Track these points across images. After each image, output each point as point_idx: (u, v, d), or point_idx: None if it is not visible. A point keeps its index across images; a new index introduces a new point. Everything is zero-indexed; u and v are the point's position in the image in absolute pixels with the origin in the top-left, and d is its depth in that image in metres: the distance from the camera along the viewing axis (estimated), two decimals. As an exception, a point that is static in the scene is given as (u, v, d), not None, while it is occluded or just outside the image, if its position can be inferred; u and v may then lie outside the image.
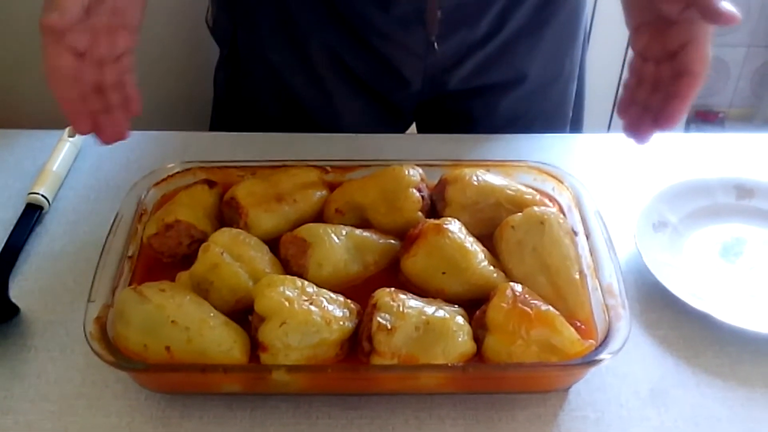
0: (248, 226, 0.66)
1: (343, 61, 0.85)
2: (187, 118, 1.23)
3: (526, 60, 0.87)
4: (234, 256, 0.61)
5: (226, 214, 0.69)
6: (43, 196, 0.76)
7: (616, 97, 1.85)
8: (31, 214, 0.74)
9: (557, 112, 0.95)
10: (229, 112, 0.96)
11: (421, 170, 0.69)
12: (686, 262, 0.70)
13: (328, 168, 0.73)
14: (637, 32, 0.62)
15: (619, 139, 0.89)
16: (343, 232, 0.64)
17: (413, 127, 1.01)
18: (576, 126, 1.00)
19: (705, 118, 2.13)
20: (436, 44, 0.82)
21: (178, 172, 0.72)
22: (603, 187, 0.80)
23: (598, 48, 1.11)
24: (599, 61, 1.16)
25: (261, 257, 0.63)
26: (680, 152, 0.86)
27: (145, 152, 0.85)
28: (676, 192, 0.76)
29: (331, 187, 0.71)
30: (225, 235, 0.63)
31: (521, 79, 0.88)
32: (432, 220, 0.63)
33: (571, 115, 0.97)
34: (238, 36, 0.88)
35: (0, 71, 1.37)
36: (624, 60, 1.80)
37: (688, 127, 2.06)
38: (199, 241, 0.64)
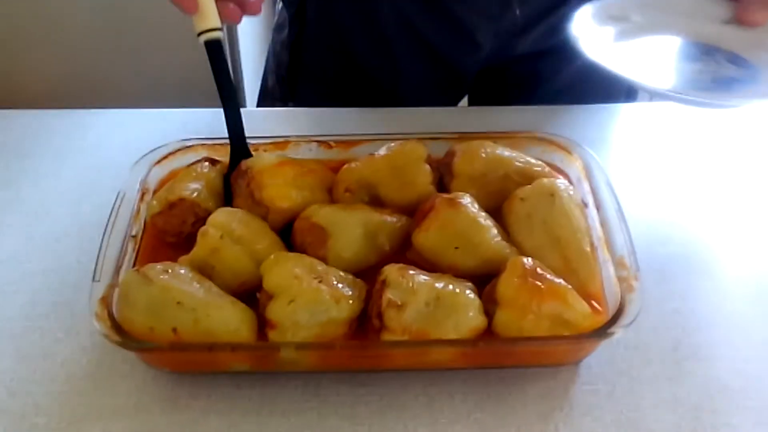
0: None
1: (412, 25, 0.85)
2: (188, 94, 1.21)
3: None
4: (234, 238, 0.60)
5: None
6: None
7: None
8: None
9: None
10: (287, 76, 0.95)
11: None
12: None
13: (332, 143, 0.72)
14: None
15: (630, 110, 0.89)
16: (359, 217, 0.63)
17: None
18: (632, 94, 0.99)
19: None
20: (518, 10, 0.82)
21: (179, 150, 0.71)
22: (613, 158, 0.79)
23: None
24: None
25: (262, 238, 0.62)
26: (687, 122, 0.85)
27: (145, 130, 0.84)
28: None
29: (335, 167, 0.70)
30: (223, 215, 0.62)
31: None
32: (444, 194, 0.62)
33: None
34: None
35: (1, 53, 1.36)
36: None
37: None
38: (203, 219, 0.63)
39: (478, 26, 0.85)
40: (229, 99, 0.67)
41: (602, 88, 0.91)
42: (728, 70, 0.68)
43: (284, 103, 0.96)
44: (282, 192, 0.64)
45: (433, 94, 0.91)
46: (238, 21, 0.66)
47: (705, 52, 0.70)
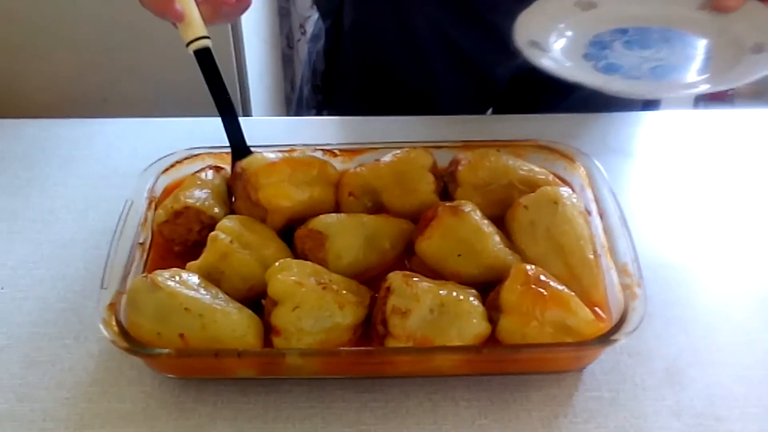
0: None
1: (446, 35, 0.86)
2: (194, 103, 1.22)
3: None
4: (242, 244, 0.61)
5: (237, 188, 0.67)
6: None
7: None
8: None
9: None
10: (322, 85, 0.96)
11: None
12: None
13: (336, 151, 0.73)
14: None
15: (633, 118, 0.89)
16: (358, 221, 0.63)
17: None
18: (654, 102, 0.99)
19: (714, 95, 2.11)
20: None
21: (186, 158, 0.72)
22: (616, 165, 0.79)
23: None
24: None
25: (269, 244, 0.62)
26: (690, 129, 0.86)
27: (152, 139, 0.85)
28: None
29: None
30: (232, 222, 0.63)
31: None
32: (447, 202, 0.63)
33: None
34: (344, 8, 0.89)
35: (8, 61, 1.37)
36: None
37: (697, 105, 2.04)
38: (209, 227, 0.63)
39: (511, 32, 0.85)
40: (225, 105, 0.67)
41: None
42: (677, 57, 0.67)
43: (319, 112, 0.97)
44: (278, 191, 0.63)
45: (466, 102, 0.91)
46: (235, 17, 0.66)
47: (665, 38, 0.69)
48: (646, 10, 0.71)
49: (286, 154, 0.67)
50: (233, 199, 0.67)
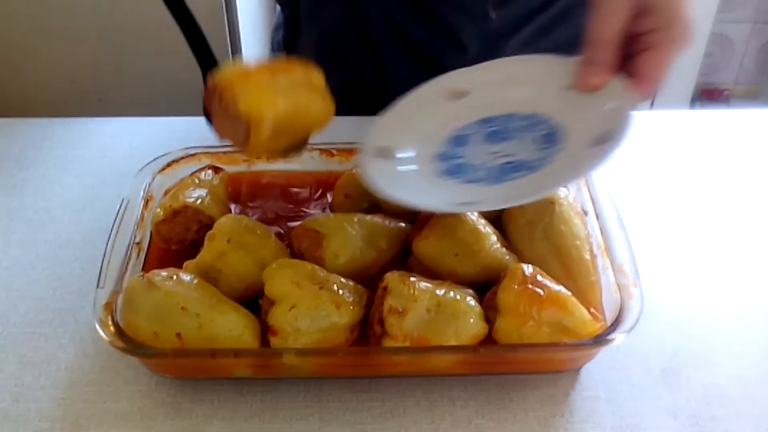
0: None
1: (399, 26, 0.85)
2: (191, 103, 1.22)
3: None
4: (239, 243, 0.61)
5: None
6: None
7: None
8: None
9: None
10: None
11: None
12: None
13: (334, 151, 0.73)
14: None
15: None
16: (355, 220, 0.63)
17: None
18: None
19: (710, 95, 2.12)
20: (493, 13, 0.81)
21: (182, 158, 0.72)
22: (610, 164, 0.79)
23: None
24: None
25: (266, 243, 0.62)
26: (686, 130, 0.86)
27: (149, 139, 0.85)
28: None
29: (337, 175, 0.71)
30: (230, 221, 0.63)
31: (581, 41, 0.88)
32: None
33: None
34: None
35: (4, 61, 1.36)
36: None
37: (693, 105, 2.05)
38: (207, 226, 0.63)
39: (462, 27, 0.84)
40: (184, 19, 0.60)
41: None
42: (526, 152, 0.60)
43: None
44: (260, 99, 0.54)
45: None
46: None
47: (528, 127, 0.62)
48: (515, 93, 0.64)
49: (261, 61, 0.58)
50: (212, 120, 0.58)
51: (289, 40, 0.93)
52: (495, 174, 0.59)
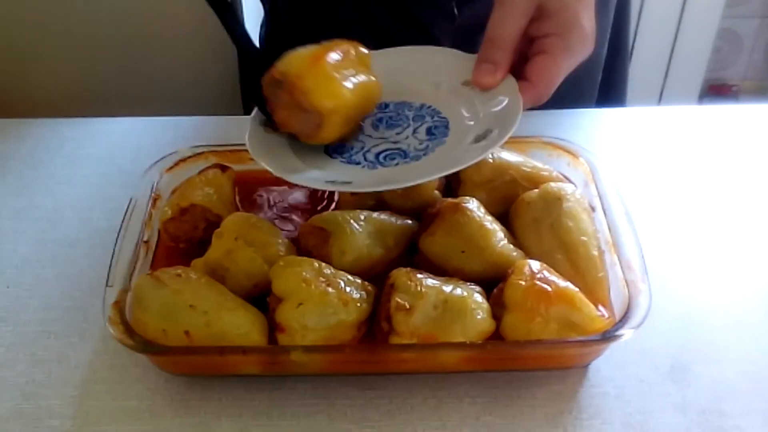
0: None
1: (374, 20, 0.85)
2: (198, 102, 1.23)
3: None
4: (247, 241, 0.61)
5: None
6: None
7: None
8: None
9: (585, 76, 0.93)
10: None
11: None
12: None
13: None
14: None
15: (636, 113, 0.89)
16: (362, 217, 0.63)
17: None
18: (619, 99, 0.97)
19: (718, 91, 2.11)
20: (456, 9, 0.81)
21: (190, 157, 0.72)
22: (620, 161, 0.79)
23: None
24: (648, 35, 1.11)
25: (274, 241, 0.62)
26: (694, 125, 0.86)
27: (157, 138, 0.85)
28: None
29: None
30: (237, 219, 0.63)
31: None
32: (450, 199, 0.63)
33: (599, 80, 0.95)
34: None
35: (12, 61, 1.37)
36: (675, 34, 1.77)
37: (701, 101, 2.04)
38: (214, 224, 0.64)
39: (433, 22, 0.83)
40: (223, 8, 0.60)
41: (573, 84, 0.91)
42: (408, 141, 0.60)
43: None
44: (330, 90, 0.55)
45: None
46: None
47: (416, 118, 0.62)
48: (410, 83, 0.64)
49: (316, 45, 0.58)
50: (273, 110, 0.58)
51: (269, 35, 0.93)
52: (372, 159, 0.59)
